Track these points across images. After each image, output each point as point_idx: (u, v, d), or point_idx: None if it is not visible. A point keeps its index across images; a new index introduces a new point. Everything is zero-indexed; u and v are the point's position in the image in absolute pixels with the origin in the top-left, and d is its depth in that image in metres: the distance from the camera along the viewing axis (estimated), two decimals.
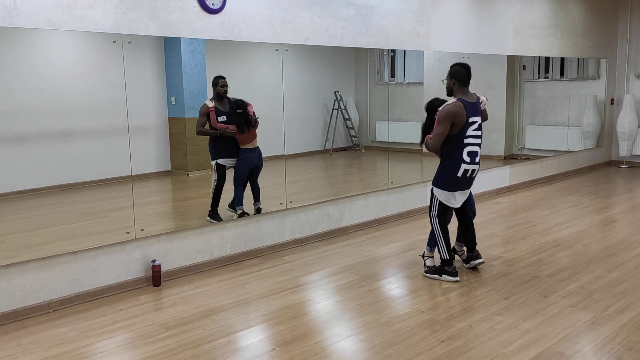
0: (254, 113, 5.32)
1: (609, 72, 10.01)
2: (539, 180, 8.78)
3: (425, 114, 4.75)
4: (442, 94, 4.64)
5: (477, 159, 4.42)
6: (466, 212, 4.67)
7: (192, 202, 5.91)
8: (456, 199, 4.50)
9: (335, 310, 4.02)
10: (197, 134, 5.26)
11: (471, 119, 4.35)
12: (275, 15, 5.25)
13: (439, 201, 4.49)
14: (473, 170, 4.42)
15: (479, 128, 4.41)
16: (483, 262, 4.72)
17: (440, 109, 4.39)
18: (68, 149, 4.97)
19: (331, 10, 5.70)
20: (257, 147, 5.41)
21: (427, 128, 4.63)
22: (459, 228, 4.78)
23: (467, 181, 4.46)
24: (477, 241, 4.73)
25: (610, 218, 6.52)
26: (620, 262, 4.88)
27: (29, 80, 4.72)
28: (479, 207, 7.14)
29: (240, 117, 5.23)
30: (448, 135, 4.35)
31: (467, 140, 4.35)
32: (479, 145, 4.42)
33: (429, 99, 4.77)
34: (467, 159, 4.36)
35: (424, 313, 3.88)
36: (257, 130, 5.39)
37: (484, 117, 4.59)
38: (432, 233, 4.63)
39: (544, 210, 6.90)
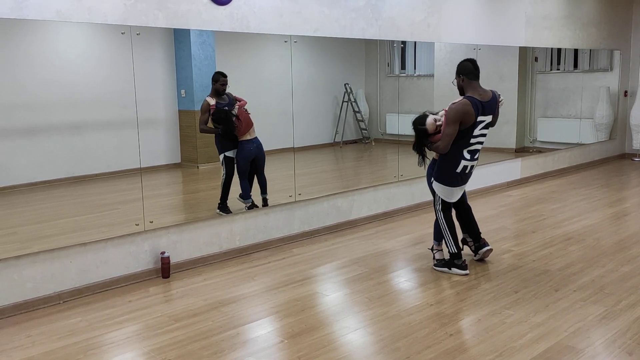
0: (240, 107, 5.30)
1: (622, 64, 9.87)
2: (551, 173, 8.71)
3: (432, 106, 4.70)
4: (453, 87, 4.59)
5: (476, 156, 4.38)
6: (463, 204, 4.65)
7: (202, 195, 5.91)
8: (455, 194, 4.47)
9: (343, 303, 4.01)
10: (200, 132, 5.26)
11: (480, 118, 4.25)
12: (284, 7, 5.22)
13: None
14: (472, 166, 4.40)
15: (486, 127, 4.32)
16: (491, 250, 4.69)
17: (447, 108, 4.28)
18: (79, 141, 4.98)
19: (341, 1, 5.66)
20: (256, 137, 5.37)
21: (419, 147, 4.49)
22: (460, 221, 4.74)
23: (466, 176, 4.43)
24: (484, 233, 4.71)
25: (623, 211, 6.45)
26: (633, 255, 4.83)
27: (40, 72, 4.73)
28: (490, 200, 7.11)
29: (228, 123, 5.21)
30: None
31: (472, 140, 4.29)
32: (481, 143, 4.36)
33: (420, 114, 4.56)
34: (467, 155, 4.32)
35: (432, 306, 3.85)
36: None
37: (495, 118, 4.45)
38: (436, 227, 4.60)
39: (555, 204, 6.83)
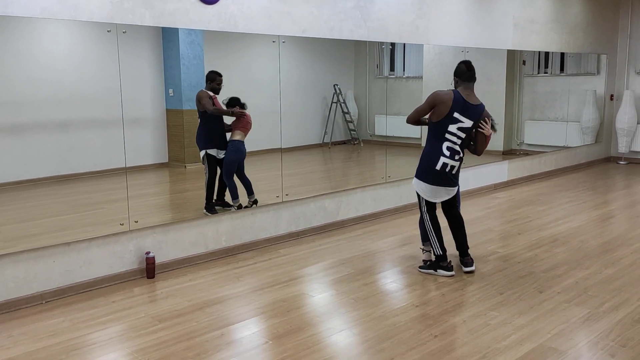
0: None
1: (609, 68, 9.96)
2: (537, 176, 8.76)
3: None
4: (442, 88, 4.60)
5: (456, 157, 4.33)
6: (454, 215, 4.57)
7: (189, 195, 5.88)
8: (436, 194, 4.40)
9: (329, 303, 4.01)
10: (211, 112, 5.22)
11: (456, 115, 4.24)
12: (273, 7, 5.21)
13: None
14: (452, 167, 4.33)
15: (465, 132, 4.29)
16: (472, 272, 4.51)
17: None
18: (65, 139, 4.93)
19: (330, 3, 5.66)
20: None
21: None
22: (451, 231, 4.65)
23: (446, 177, 4.34)
24: (471, 234, 4.66)
25: (608, 214, 6.51)
26: (617, 258, 4.87)
27: (27, 70, 4.68)
28: (477, 202, 7.14)
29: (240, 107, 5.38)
30: (432, 121, 4.33)
31: (447, 136, 4.28)
32: (459, 145, 4.31)
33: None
34: (446, 152, 4.29)
35: (418, 307, 3.86)
36: (254, 122, 5.41)
37: (479, 146, 4.39)
38: (422, 228, 4.59)
39: (541, 206, 6.88)
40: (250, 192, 5.44)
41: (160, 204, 5.75)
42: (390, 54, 7.78)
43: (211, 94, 5.20)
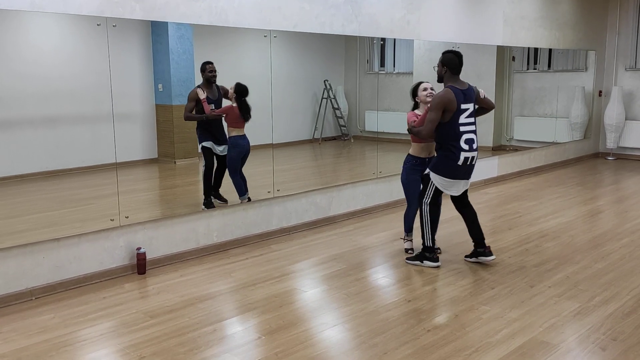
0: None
1: (597, 64, 10.03)
2: (527, 171, 8.81)
3: (411, 102, 4.78)
4: (432, 84, 4.63)
5: (474, 146, 4.37)
6: (469, 208, 4.59)
7: (179, 190, 5.85)
8: (455, 187, 4.43)
9: (321, 299, 4.00)
10: (185, 119, 5.20)
11: (462, 106, 4.32)
12: (264, 1, 5.18)
13: (435, 188, 4.44)
14: (473, 158, 4.38)
15: (471, 115, 4.37)
16: (494, 259, 4.56)
17: (432, 97, 4.40)
18: (53, 135, 4.88)
19: None
20: (245, 134, 5.38)
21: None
22: (466, 225, 4.66)
23: (468, 169, 4.40)
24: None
25: (597, 209, 6.56)
26: (606, 252, 4.91)
27: (13, 64, 4.62)
28: None
29: (244, 104, 5.27)
30: (442, 123, 4.32)
31: (462, 128, 4.31)
32: (473, 132, 4.38)
33: (415, 83, 4.79)
34: (465, 146, 4.31)
35: (410, 302, 3.87)
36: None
37: (489, 105, 4.60)
38: (407, 220, 4.73)
39: (531, 201, 6.92)
40: (245, 189, 5.42)
41: (151, 199, 5.71)
42: (381, 49, 7.77)
43: (202, 95, 5.12)
